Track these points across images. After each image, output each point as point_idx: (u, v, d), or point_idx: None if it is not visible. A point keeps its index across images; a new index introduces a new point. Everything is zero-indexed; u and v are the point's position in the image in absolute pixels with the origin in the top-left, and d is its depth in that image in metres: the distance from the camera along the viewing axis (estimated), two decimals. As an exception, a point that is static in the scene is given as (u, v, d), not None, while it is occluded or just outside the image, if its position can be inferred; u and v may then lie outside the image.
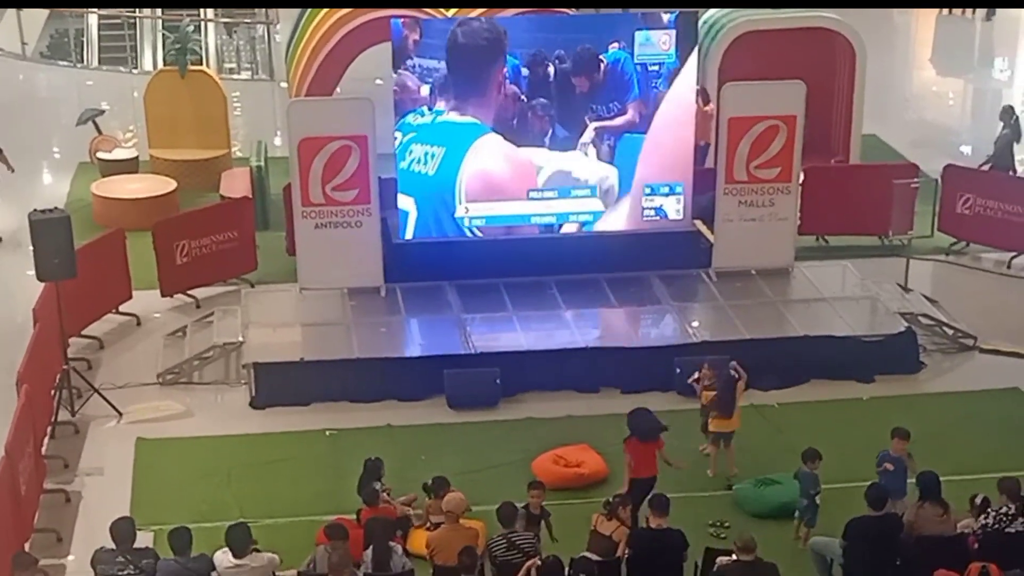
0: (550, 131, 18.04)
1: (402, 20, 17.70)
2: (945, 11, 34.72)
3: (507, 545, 12.52)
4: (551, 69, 17.81)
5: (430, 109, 17.71)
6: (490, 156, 18.00)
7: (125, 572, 11.99)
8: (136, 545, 12.25)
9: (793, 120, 18.16)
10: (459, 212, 18.13)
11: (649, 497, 12.91)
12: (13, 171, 21.82)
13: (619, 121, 18.18)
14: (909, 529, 12.81)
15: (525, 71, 17.76)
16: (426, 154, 17.88)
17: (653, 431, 13.86)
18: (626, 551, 12.63)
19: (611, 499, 12.99)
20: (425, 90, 17.69)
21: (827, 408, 16.51)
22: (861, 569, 12.86)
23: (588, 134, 18.15)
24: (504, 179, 18.14)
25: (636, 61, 17.86)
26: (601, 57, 17.83)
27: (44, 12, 31.36)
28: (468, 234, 18.23)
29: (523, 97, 17.82)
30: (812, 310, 18.18)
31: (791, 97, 18.20)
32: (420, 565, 12.80)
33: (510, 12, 19.91)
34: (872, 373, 17.12)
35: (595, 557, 12.37)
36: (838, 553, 12.92)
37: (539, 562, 12.08)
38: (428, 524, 13.54)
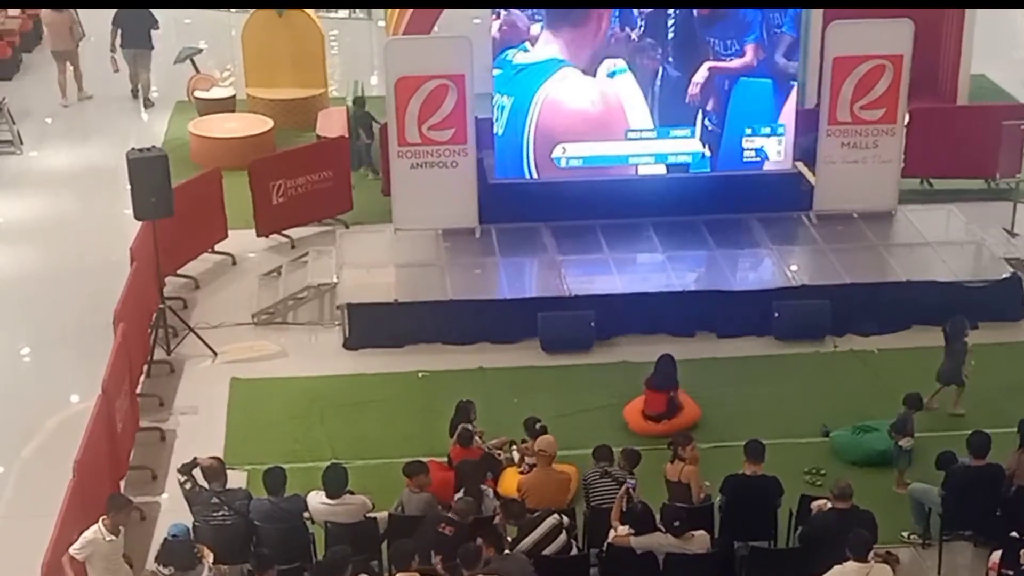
0: (660, 70, 17.74)
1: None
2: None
3: (600, 473, 12.65)
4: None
5: (532, 45, 17.50)
6: (574, 95, 17.71)
7: (219, 513, 12.06)
8: (229, 485, 12.34)
9: (900, 60, 17.75)
10: (556, 152, 17.95)
11: (745, 443, 12.72)
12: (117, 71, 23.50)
13: (736, 63, 17.83)
14: (1010, 476, 12.57)
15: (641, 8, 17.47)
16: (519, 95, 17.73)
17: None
18: (702, 492, 12.56)
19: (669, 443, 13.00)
20: (536, 28, 17.43)
21: (928, 355, 16.02)
22: (960, 519, 12.65)
23: (701, 73, 17.80)
24: (590, 118, 17.86)
25: (746, 0, 17.56)
26: (724, -14, 17.51)
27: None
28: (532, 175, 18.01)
29: (633, 36, 17.50)
30: (915, 254, 17.83)
31: (898, 35, 17.75)
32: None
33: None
34: (975, 319, 16.68)
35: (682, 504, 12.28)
36: (937, 502, 12.69)
37: (632, 486, 12.11)
38: (524, 467, 13.49)
